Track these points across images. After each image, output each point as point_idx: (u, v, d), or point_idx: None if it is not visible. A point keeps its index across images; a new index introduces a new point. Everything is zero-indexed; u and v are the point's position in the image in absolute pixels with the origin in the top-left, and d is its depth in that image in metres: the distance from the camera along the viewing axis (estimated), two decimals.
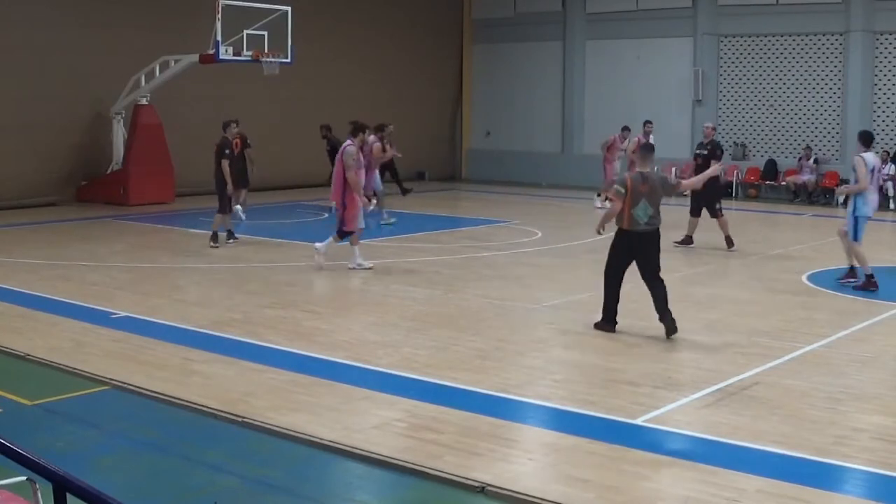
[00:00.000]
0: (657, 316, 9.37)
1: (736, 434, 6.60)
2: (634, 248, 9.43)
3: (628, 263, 9.54)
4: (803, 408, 7.24)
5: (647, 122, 19.44)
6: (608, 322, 9.61)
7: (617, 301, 9.61)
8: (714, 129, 16.33)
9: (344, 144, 13.17)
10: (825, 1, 23.86)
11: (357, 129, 13.33)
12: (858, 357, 8.79)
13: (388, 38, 27.81)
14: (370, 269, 13.08)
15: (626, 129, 21.08)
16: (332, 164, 19.96)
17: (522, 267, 13.74)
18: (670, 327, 9.25)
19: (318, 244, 13.26)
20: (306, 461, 6.29)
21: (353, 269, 13.05)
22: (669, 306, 9.31)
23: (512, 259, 14.43)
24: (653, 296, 9.45)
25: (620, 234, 9.53)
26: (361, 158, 13.18)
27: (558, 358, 8.83)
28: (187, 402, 7.30)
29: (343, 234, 13.17)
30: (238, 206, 18.85)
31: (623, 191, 9.34)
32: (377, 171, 18.30)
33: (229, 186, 15.36)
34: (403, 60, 28.30)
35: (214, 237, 15.30)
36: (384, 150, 18.78)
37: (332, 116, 25.72)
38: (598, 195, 19.98)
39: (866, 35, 23.49)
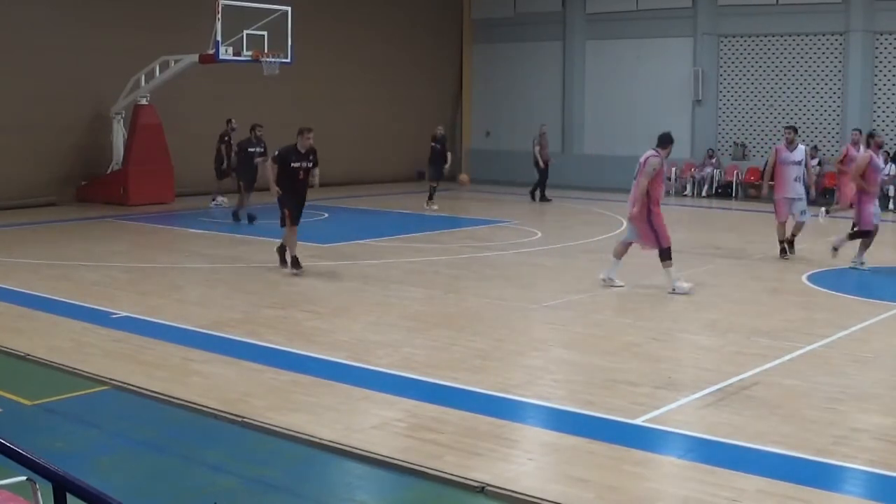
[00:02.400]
0: None
1: (736, 434, 6.59)
2: None
3: None
4: (803, 408, 7.23)
5: (789, 128, 15.10)
6: None
7: None
8: None
9: (647, 154, 11.73)
10: (825, 1, 23.85)
11: (664, 141, 11.79)
12: (858, 357, 8.77)
13: (388, 39, 27.81)
14: (687, 292, 11.47)
15: (860, 133, 16.24)
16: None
17: (522, 267, 13.73)
18: None
19: (608, 274, 11.79)
20: (306, 461, 6.28)
21: (672, 292, 11.42)
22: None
23: (512, 259, 14.42)
24: None
25: None
26: (665, 168, 11.93)
27: (558, 358, 8.82)
28: (187, 401, 7.30)
29: (666, 254, 11.61)
30: (222, 198, 20.86)
31: None
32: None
33: (273, 189, 12.69)
34: (403, 60, 28.29)
35: (295, 263, 12.73)
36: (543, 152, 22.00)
37: (333, 116, 25.86)
38: (827, 212, 16.98)
39: (866, 35, 23.48)
